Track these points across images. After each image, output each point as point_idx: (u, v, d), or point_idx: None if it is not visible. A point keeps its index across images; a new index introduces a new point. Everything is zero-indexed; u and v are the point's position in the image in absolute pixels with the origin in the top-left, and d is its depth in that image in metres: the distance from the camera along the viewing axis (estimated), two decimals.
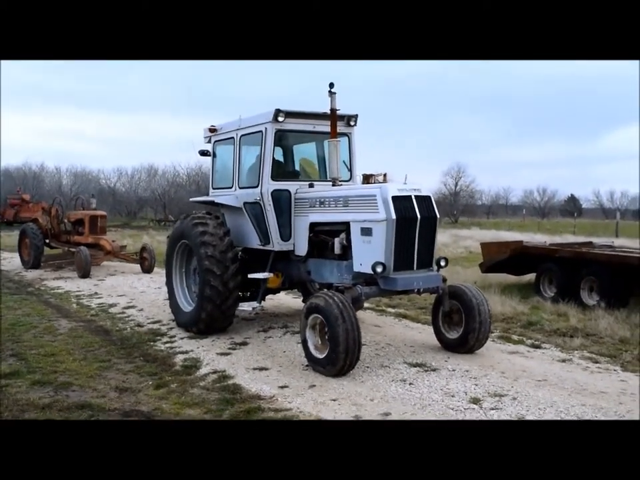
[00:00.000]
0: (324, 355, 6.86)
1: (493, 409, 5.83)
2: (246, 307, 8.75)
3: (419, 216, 7.17)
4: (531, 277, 13.69)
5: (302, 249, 8.51)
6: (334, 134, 8.14)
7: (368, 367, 7.20)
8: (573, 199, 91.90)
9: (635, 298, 10.81)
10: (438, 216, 7.41)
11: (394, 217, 6.99)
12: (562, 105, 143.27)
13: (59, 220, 18.17)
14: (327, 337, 6.84)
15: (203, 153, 9.79)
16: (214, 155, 9.77)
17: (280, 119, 8.32)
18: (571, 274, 11.55)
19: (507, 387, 6.47)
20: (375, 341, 8.48)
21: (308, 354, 7.14)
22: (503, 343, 8.58)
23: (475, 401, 6.05)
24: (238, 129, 9.07)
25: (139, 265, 17.29)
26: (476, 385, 6.57)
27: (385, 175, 19.99)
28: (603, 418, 5.56)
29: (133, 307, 11.49)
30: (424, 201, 7.32)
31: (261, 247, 8.81)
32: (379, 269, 7.01)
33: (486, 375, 6.93)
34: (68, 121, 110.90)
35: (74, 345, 8.47)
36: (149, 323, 9.97)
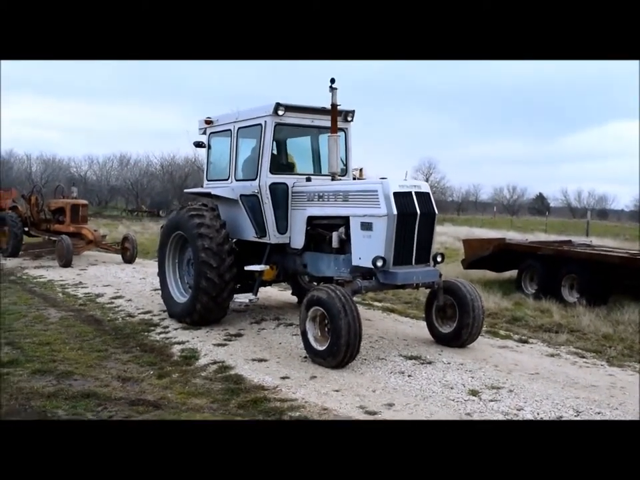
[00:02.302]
0: (324, 347, 6.97)
1: (492, 400, 6.03)
2: (242, 298, 8.80)
3: (418, 212, 7.31)
4: (511, 273, 13.99)
5: (299, 242, 8.60)
6: (334, 129, 8.19)
7: (365, 360, 7.34)
8: (541, 198, 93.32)
9: (614, 296, 11.15)
10: (437, 212, 7.57)
11: (395, 212, 7.12)
12: (530, 104, 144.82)
13: (38, 208, 17.94)
14: (327, 330, 6.96)
15: (198, 144, 9.81)
16: (209, 147, 9.78)
17: (280, 112, 8.38)
18: (552, 271, 11.84)
19: (502, 380, 6.68)
20: (368, 334, 8.60)
21: (307, 345, 7.24)
22: (491, 338, 8.79)
23: (474, 392, 6.24)
24: (235, 122, 9.10)
25: (119, 255, 17.20)
26: (472, 377, 6.76)
27: (361, 170, 20.02)
28: (597, 409, 5.80)
29: (120, 297, 11.45)
30: (423, 197, 7.46)
31: (257, 240, 8.87)
32: (380, 263, 7.13)
33: (480, 368, 7.13)
34: (37, 109, 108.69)
35: (67, 334, 8.44)
36: (139, 314, 9.96)
